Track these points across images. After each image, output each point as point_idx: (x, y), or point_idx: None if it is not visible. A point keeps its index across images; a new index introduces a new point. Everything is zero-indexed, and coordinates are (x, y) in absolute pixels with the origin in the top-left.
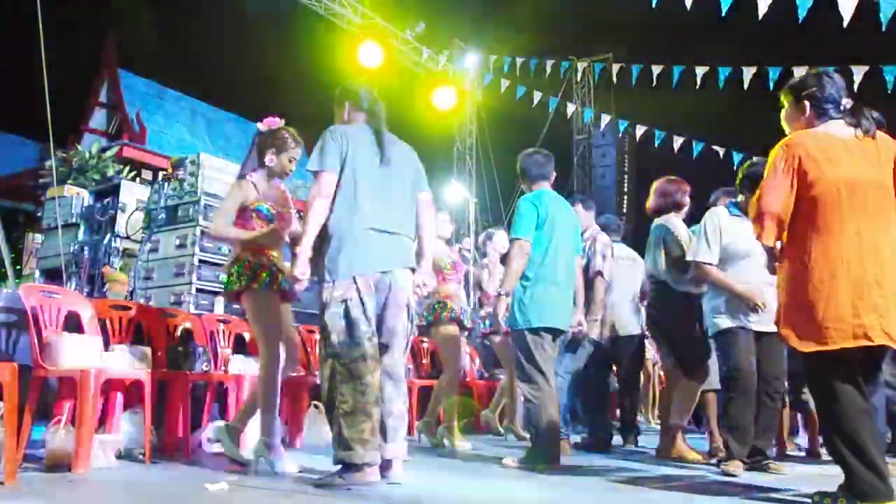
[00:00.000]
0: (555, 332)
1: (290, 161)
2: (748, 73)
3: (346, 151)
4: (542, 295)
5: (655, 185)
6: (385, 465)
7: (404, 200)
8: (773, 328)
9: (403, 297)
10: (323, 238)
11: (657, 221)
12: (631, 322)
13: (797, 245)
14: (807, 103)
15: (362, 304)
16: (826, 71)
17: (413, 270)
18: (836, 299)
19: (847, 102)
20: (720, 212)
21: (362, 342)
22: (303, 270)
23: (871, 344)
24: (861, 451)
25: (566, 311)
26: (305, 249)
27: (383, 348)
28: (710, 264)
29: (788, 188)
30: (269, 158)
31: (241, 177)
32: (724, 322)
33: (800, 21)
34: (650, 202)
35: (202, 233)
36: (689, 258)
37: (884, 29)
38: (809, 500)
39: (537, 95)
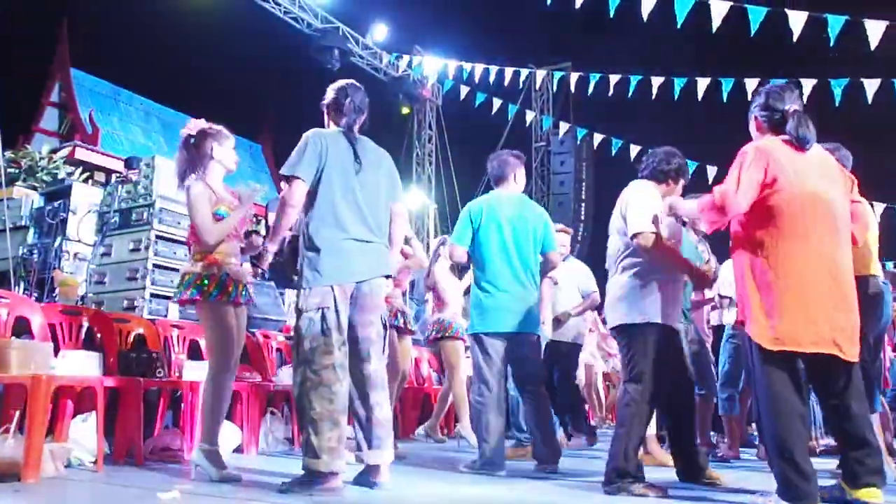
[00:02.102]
0: (506, 337)
1: (233, 149)
2: (702, 83)
3: (324, 158)
4: (486, 300)
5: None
6: (373, 471)
7: (379, 207)
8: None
9: (379, 304)
10: (300, 245)
11: None
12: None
13: (761, 248)
14: (754, 116)
15: (337, 313)
16: (775, 85)
17: (388, 277)
18: (798, 305)
19: (791, 109)
20: (648, 185)
21: (334, 351)
22: (264, 264)
23: (821, 351)
24: (790, 452)
25: (519, 314)
26: (272, 248)
27: (362, 356)
28: (654, 233)
29: (757, 191)
30: (217, 151)
31: (193, 181)
32: (640, 315)
33: (752, 34)
34: None
35: (158, 237)
36: (630, 233)
37: (832, 43)
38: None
39: (497, 103)
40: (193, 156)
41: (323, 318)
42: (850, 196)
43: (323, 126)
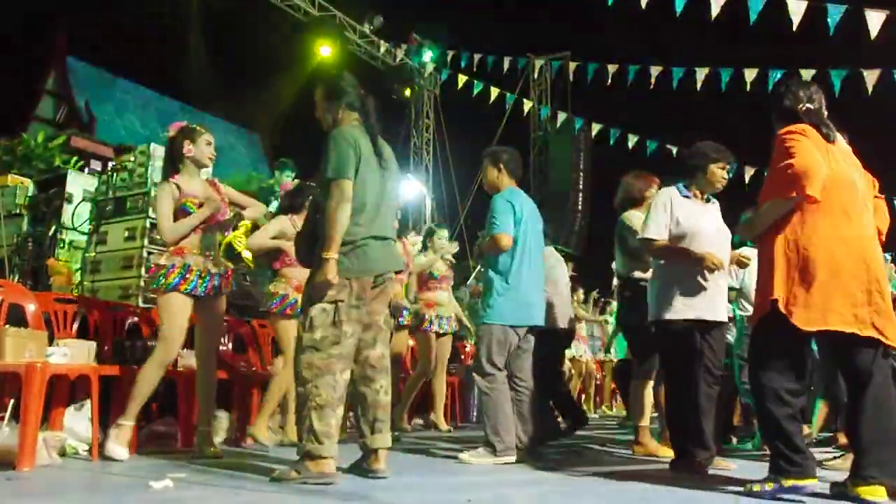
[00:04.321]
0: (521, 331)
1: (207, 145)
2: (701, 73)
3: (358, 154)
4: (511, 293)
5: (621, 180)
6: (371, 456)
7: (393, 206)
8: (720, 317)
9: (388, 297)
10: (321, 237)
11: (620, 218)
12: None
13: (800, 227)
14: (776, 115)
15: (350, 306)
16: (793, 83)
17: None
18: (837, 284)
19: (803, 108)
20: (670, 191)
21: (342, 341)
22: (333, 276)
23: (856, 332)
24: (786, 430)
25: (539, 307)
26: (334, 255)
27: (370, 343)
28: (658, 240)
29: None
30: (187, 149)
31: (164, 180)
32: (673, 313)
33: (751, 23)
34: (616, 198)
35: (153, 225)
36: (638, 238)
37: (831, 34)
38: (741, 489)
39: (495, 91)
40: (170, 157)
41: (336, 310)
42: (873, 192)
43: (319, 119)
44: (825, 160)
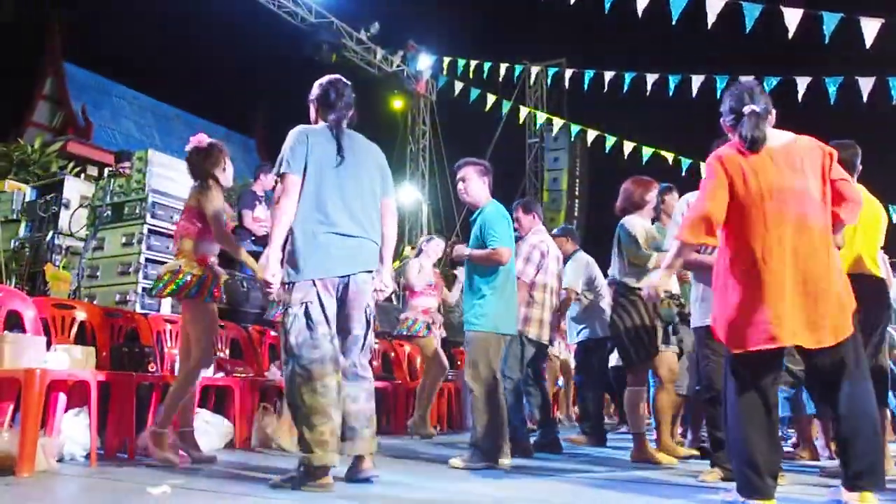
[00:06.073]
0: (509, 337)
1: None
2: (697, 80)
3: (308, 152)
4: (506, 302)
5: (622, 187)
6: (356, 462)
7: (368, 201)
8: None
9: (363, 299)
10: (286, 239)
11: (620, 223)
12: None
13: (728, 252)
14: (722, 119)
15: (322, 306)
16: (738, 85)
17: (373, 272)
18: (752, 302)
19: (748, 110)
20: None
21: (321, 344)
22: (274, 272)
23: (781, 346)
24: (749, 453)
25: (516, 317)
26: (276, 252)
27: (343, 350)
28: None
29: (724, 197)
30: (230, 170)
31: (210, 181)
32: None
33: (747, 31)
34: (617, 203)
35: (151, 231)
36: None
37: (826, 41)
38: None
39: (491, 98)
40: (203, 169)
41: (307, 312)
42: (831, 175)
43: (311, 121)
44: (743, 177)
